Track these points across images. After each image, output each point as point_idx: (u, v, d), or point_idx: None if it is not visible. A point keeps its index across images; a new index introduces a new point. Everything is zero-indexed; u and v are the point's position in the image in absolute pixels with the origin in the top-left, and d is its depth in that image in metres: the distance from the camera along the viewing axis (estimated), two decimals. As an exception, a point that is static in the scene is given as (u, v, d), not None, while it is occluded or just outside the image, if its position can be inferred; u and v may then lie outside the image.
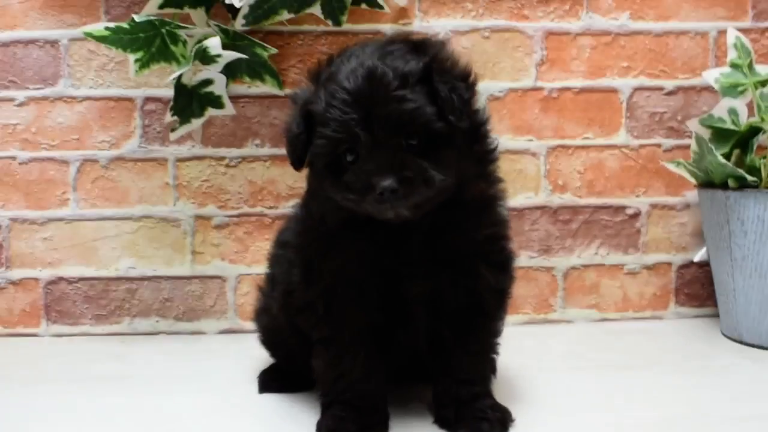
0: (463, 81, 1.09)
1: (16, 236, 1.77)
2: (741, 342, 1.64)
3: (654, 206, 1.83)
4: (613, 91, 1.81)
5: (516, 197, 1.78)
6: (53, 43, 1.75)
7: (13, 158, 1.76)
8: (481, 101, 1.65)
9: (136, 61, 1.61)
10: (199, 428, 1.18)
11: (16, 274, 1.78)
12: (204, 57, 1.59)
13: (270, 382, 1.37)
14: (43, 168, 1.76)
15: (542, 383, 1.38)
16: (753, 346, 1.62)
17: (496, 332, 1.21)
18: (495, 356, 1.22)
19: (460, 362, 1.16)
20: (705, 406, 1.27)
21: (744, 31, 1.70)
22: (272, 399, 1.32)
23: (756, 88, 1.62)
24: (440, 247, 1.11)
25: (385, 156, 1.03)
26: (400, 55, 1.07)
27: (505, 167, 1.72)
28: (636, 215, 1.83)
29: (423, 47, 1.10)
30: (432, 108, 1.04)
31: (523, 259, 1.80)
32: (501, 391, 1.24)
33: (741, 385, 1.38)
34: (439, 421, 1.18)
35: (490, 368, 1.22)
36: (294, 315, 1.20)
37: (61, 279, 1.78)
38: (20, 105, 1.75)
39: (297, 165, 1.13)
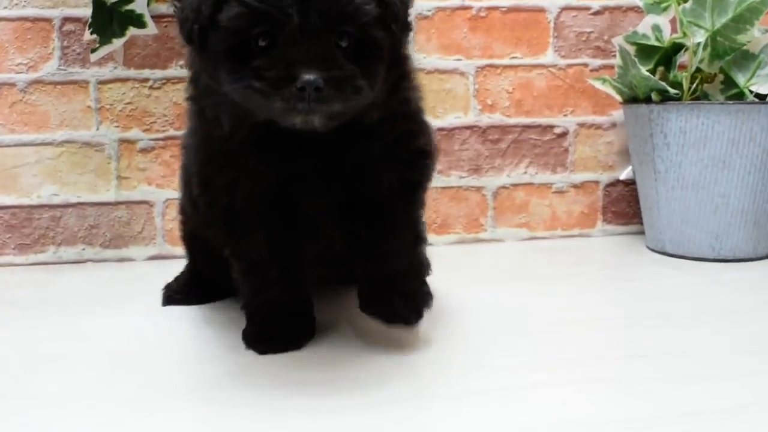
0: None
1: (-70, 164, 1.70)
2: (664, 253, 1.69)
3: (581, 125, 1.85)
4: (541, 10, 1.81)
5: (445, 117, 1.79)
6: (-38, -41, 1.67)
7: (-76, 82, 1.68)
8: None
9: (52, -24, 1.55)
10: (123, 346, 1.15)
11: (-68, 203, 1.71)
12: (123, -29, 1.54)
13: (173, 295, 1.35)
14: (-43, 92, 1.69)
15: (469, 296, 1.38)
16: (675, 256, 1.66)
17: (411, 223, 1.11)
18: (422, 247, 1.13)
19: (377, 245, 1.08)
20: (626, 308, 1.31)
21: (667, -52, 1.71)
22: (202, 313, 1.30)
23: (679, 4, 1.64)
24: (340, 161, 1.02)
25: (315, 48, 0.88)
26: None
27: (434, 87, 1.75)
28: (564, 134, 1.85)
29: None
30: (376, 10, 0.91)
31: (453, 179, 1.81)
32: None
33: (661, 290, 1.43)
34: (360, 305, 1.11)
35: (414, 251, 1.11)
36: (200, 227, 1.17)
37: (-20, 208, 1.72)
38: (-71, 26, 1.67)
39: (195, 37, 0.93)
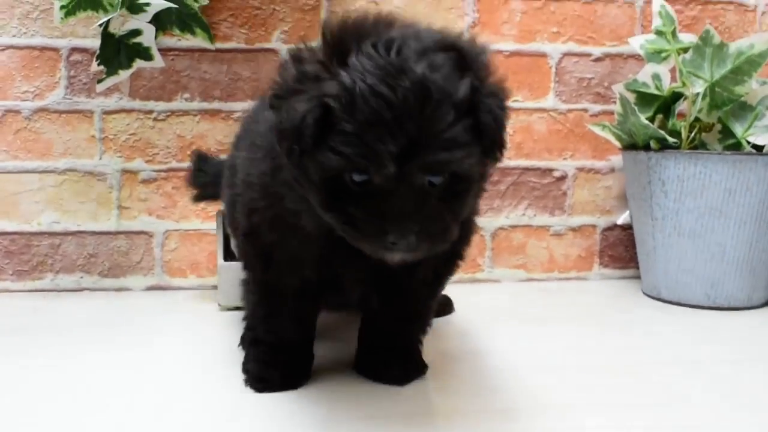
0: (504, 107, 0.93)
1: (-68, 188, 1.71)
2: (660, 299, 1.70)
3: (580, 169, 1.87)
4: (543, 55, 1.84)
5: (446, 158, 1.80)
6: (-26, -12, 1.69)
7: (-70, 107, 1.70)
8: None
9: (62, 7, 1.56)
10: (121, 381, 1.15)
11: (-68, 227, 1.72)
12: (132, 5, 1.55)
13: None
14: (-38, 118, 1.71)
15: (467, 336, 1.40)
16: (671, 302, 1.67)
17: (426, 311, 1.19)
18: (426, 319, 1.20)
19: (386, 320, 1.16)
20: (622, 354, 1.31)
21: (669, 0, 1.74)
22: (197, 353, 1.30)
23: (678, 54, 1.67)
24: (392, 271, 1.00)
25: (409, 200, 0.86)
26: (449, 71, 0.86)
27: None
28: (563, 178, 1.87)
29: (467, 59, 0.90)
30: (475, 153, 0.88)
31: (452, 220, 1.82)
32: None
33: (657, 336, 1.44)
34: (356, 367, 1.19)
35: (417, 328, 1.19)
36: (233, 234, 1.19)
37: (-20, 233, 1.72)
38: (-62, 52, 1.69)
39: (294, 159, 0.89)
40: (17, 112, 1.71)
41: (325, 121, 0.85)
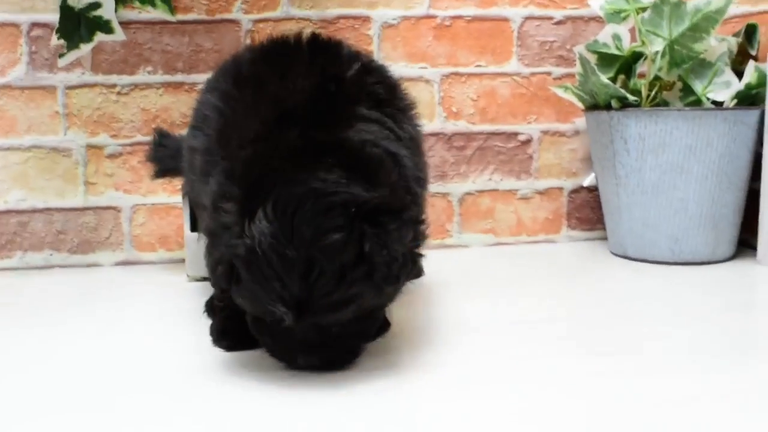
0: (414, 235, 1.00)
1: None
2: (626, 257, 1.72)
3: (545, 132, 1.89)
4: (505, 20, 1.85)
5: (412, 124, 1.81)
6: (-70, -35, 1.68)
7: None
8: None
9: (20, -18, 1.57)
10: (92, 351, 1.16)
11: None
12: (90, -23, 1.56)
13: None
14: (-76, 97, 1.70)
15: (431, 296, 1.41)
16: (637, 260, 1.69)
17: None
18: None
19: None
20: (583, 308, 1.34)
21: (627, -40, 1.75)
22: (166, 322, 1.30)
23: (638, 13, 1.68)
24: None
25: (312, 333, 0.95)
26: (339, 236, 0.90)
27: (400, 94, 1.76)
28: (528, 141, 1.88)
29: (370, 181, 0.96)
30: (371, 290, 0.93)
31: (419, 186, 1.83)
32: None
33: (619, 292, 1.47)
34: None
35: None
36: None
37: (-54, 212, 1.72)
38: None
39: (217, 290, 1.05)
40: (-21, 90, 1.70)
41: (233, 272, 0.95)
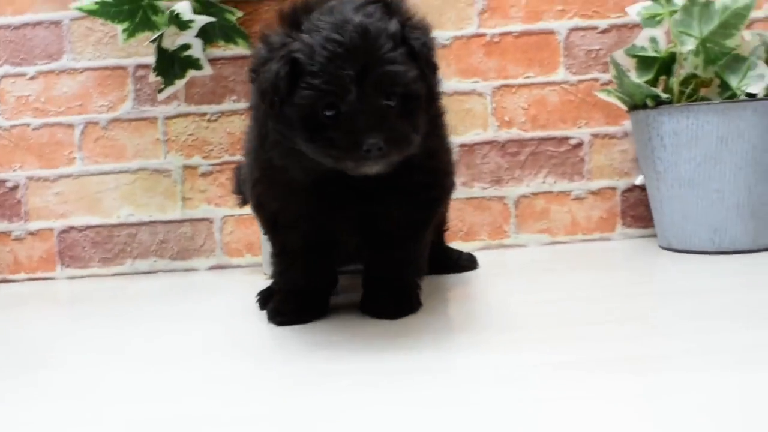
0: (428, 35, 1.18)
1: (32, 192, 2.04)
2: (670, 249, 1.79)
3: (595, 136, 1.99)
4: (551, 32, 1.98)
5: (466, 134, 1.97)
6: (56, 23, 2.02)
7: (27, 125, 2.04)
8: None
9: (124, 30, 1.86)
10: (188, 336, 1.34)
11: (34, 225, 2.05)
12: (178, 21, 1.83)
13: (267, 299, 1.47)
14: (53, 132, 2.03)
15: (474, 284, 1.56)
16: (680, 251, 1.76)
17: (415, 249, 1.35)
18: (417, 265, 1.37)
19: (379, 267, 1.35)
20: (620, 296, 1.38)
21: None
22: (241, 309, 1.49)
23: (670, 16, 1.77)
24: (380, 192, 1.22)
25: (372, 115, 1.08)
26: (380, 16, 1.11)
27: (454, 107, 1.94)
28: (579, 145, 1.99)
29: (394, 7, 1.16)
30: (414, 71, 1.11)
31: (476, 191, 1.98)
32: (457, 297, 1.40)
33: (656, 279, 1.55)
34: (360, 307, 1.36)
35: (408, 271, 1.36)
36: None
37: (71, 228, 2.04)
38: (31, 79, 2.03)
39: (275, 108, 1.13)
40: (96, 123, 2.02)
41: (294, 73, 1.09)
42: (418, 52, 1.12)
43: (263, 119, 1.21)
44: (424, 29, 1.17)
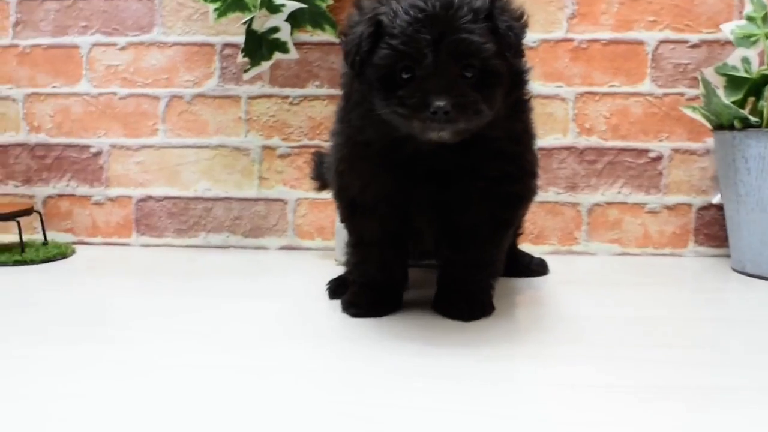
0: (519, 21, 1.22)
1: (114, 160, 2.10)
2: (744, 273, 1.78)
3: (676, 151, 1.98)
4: (640, 43, 1.96)
5: (545, 138, 1.97)
6: (150, -4, 2.06)
7: (114, 94, 2.09)
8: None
9: (215, 9, 1.89)
10: (254, 317, 1.40)
11: (113, 192, 2.11)
12: (270, 6, 1.85)
13: (338, 289, 1.50)
14: (138, 102, 2.08)
15: (545, 291, 1.58)
16: (755, 276, 1.75)
17: (494, 251, 1.38)
18: (493, 267, 1.39)
19: (455, 266, 1.37)
20: (684, 318, 1.39)
21: (765, -13, 1.82)
22: (312, 296, 1.53)
23: (766, 38, 1.75)
24: (459, 173, 1.26)
25: (444, 80, 1.12)
26: None
27: (536, 110, 1.90)
28: (658, 158, 1.98)
29: None
30: (493, 45, 1.14)
31: (550, 195, 1.99)
32: (519, 301, 1.42)
33: (725, 305, 1.54)
34: (433, 306, 1.39)
35: (484, 274, 1.38)
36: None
37: (149, 197, 2.10)
38: (121, 49, 2.08)
39: (356, 67, 1.18)
40: (180, 97, 2.06)
41: (377, 34, 1.16)
42: (502, 32, 1.15)
43: (349, 82, 1.26)
44: (513, 14, 1.21)
